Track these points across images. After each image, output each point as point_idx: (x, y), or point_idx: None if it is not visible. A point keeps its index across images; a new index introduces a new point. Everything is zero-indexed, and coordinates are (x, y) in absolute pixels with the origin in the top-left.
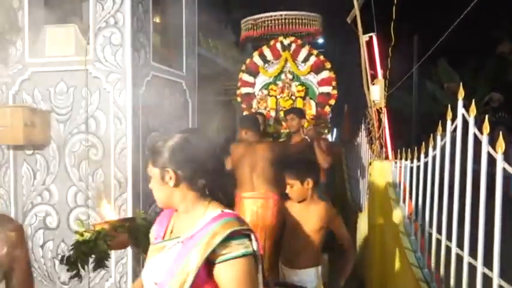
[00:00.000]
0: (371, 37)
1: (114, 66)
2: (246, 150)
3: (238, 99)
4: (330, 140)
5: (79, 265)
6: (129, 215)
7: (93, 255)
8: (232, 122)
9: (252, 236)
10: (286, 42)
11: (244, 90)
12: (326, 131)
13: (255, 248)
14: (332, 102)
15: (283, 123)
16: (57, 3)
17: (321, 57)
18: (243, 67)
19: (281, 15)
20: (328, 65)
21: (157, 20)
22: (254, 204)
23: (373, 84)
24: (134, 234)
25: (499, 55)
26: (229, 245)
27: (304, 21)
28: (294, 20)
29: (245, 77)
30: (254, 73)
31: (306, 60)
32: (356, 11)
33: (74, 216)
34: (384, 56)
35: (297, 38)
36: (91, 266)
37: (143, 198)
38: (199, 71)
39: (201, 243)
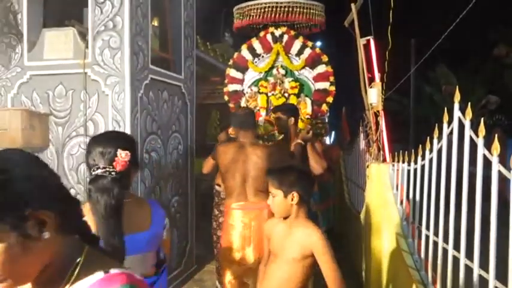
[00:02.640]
0: (368, 40)
1: (112, 69)
2: (237, 152)
3: (226, 97)
4: (328, 142)
5: None
6: None
7: None
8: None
9: None
10: (277, 33)
11: (231, 87)
12: (323, 131)
13: None
14: (330, 99)
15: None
16: (56, 7)
17: (317, 49)
18: (230, 62)
19: (276, 2)
20: (325, 58)
21: (156, 23)
22: (246, 216)
23: (371, 87)
24: None
25: (495, 58)
26: None
27: (304, 10)
28: (293, 9)
29: (232, 72)
30: (242, 68)
31: (300, 53)
32: (354, 14)
33: None
34: (381, 59)
35: (289, 29)
36: None
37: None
38: (198, 73)
39: None
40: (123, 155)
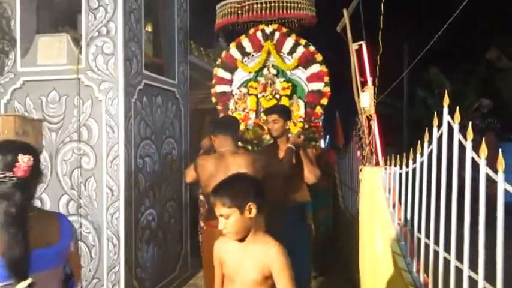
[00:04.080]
0: (360, 45)
1: (106, 75)
2: (216, 164)
3: (213, 99)
4: (322, 146)
5: None
6: (121, 222)
7: None
8: None
9: None
10: (268, 30)
11: (219, 88)
12: (317, 135)
13: None
14: (324, 101)
15: (265, 128)
16: (50, 13)
17: (311, 48)
18: (218, 61)
19: None
20: (319, 58)
21: (150, 29)
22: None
23: (363, 91)
24: None
25: (488, 62)
26: None
27: (291, 4)
28: (279, 4)
29: (220, 72)
30: (231, 68)
31: (292, 51)
32: (346, 19)
33: None
34: (373, 63)
35: (281, 26)
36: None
37: (135, 206)
38: (192, 78)
39: None
40: (25, 160)
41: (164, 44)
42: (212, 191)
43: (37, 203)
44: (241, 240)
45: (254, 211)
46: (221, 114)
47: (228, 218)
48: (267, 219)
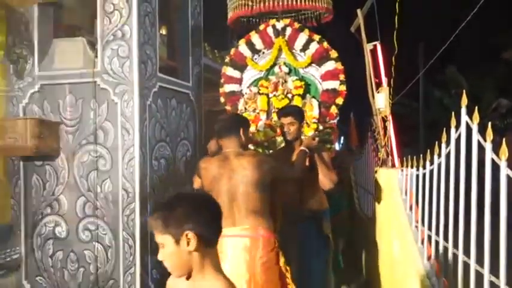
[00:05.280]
0: (375, 46)
1: (121, 78)
2: (220, 167)
3: (222, 99)
4: (337, 149)
5: None
6: (137, 224)
7: None
8: None
9: None
10: (279, 25)
11: (228, 87)
12: (332, 137)
13: None
14: (340, 101)
15: (277, 129)
16: (66, 17)
17: (325, 44)
18: (227, 59)
19: None
20: (334, 54)
21: (164, 32)
22: (237, 245)
23: (378, 92)
24: None
25: (505, 61)
26: None
27: None
28: None
29: (229, 71)
30: (241, 66)
31: (305, 48)
32: (360, 20)
33: (82, 226)
34: (388, 64)
35: (293, 21)
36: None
37: (151, 208)
38: (206, 80)
39: None
40: None
41: (178, 46)
42: (153, 211)
43: (55, 205)
44: (190, 277)
45: (193, 242)
46: None
47: (163, 248)
48: (281, 229)
